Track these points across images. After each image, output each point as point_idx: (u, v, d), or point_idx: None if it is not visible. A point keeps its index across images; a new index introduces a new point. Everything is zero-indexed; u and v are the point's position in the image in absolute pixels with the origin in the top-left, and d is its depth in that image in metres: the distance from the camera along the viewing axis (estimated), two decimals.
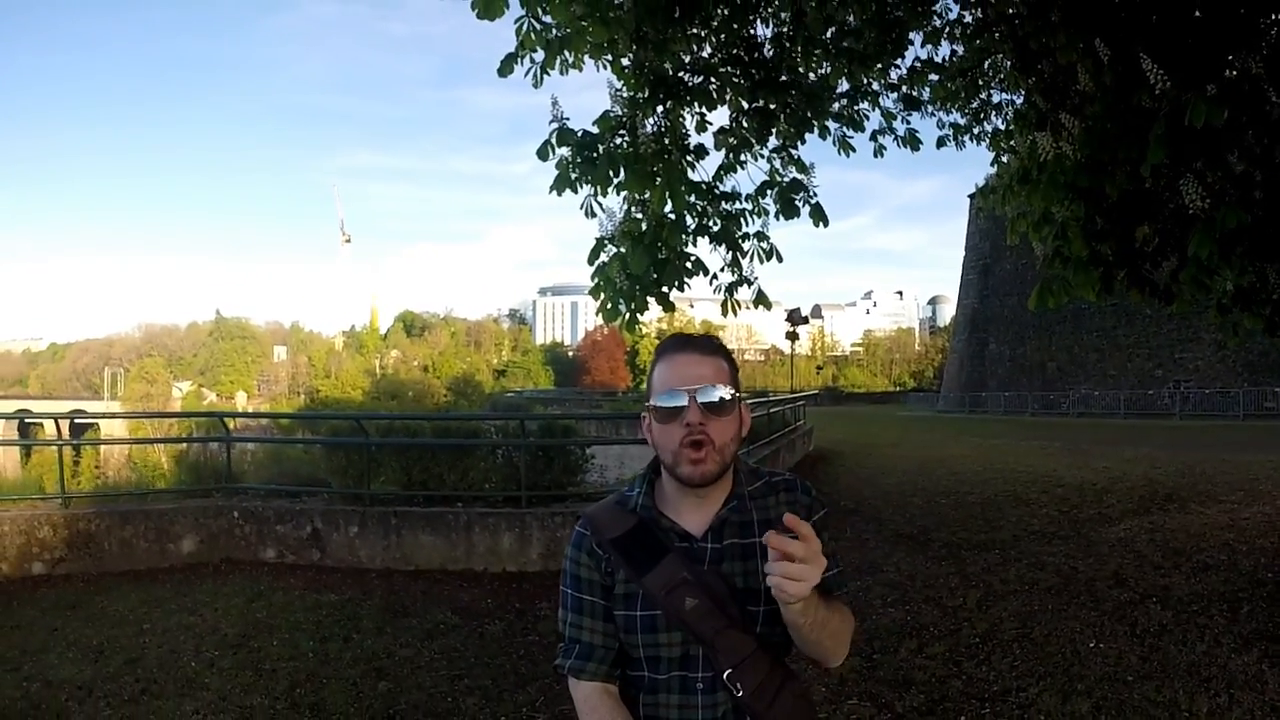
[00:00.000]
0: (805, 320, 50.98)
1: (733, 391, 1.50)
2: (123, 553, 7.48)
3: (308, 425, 17.77)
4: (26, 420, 51.12)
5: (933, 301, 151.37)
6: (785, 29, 5.78)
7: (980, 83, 6.84)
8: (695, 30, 5.31)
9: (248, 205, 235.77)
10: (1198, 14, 4.13)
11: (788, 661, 1.56)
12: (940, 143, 7.44)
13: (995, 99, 7.07)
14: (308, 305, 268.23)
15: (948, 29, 6.70)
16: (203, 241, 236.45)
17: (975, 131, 7.37)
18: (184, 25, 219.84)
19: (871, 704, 4.27)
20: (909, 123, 6.63)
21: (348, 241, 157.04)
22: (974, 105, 7.18)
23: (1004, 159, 7.05)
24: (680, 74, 5.19)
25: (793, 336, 41.20)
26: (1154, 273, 5.07)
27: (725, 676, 1.43)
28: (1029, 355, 43.38)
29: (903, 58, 6.34)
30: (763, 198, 5.28)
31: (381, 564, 7.54)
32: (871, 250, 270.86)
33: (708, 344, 1.56)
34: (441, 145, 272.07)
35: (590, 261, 4.85)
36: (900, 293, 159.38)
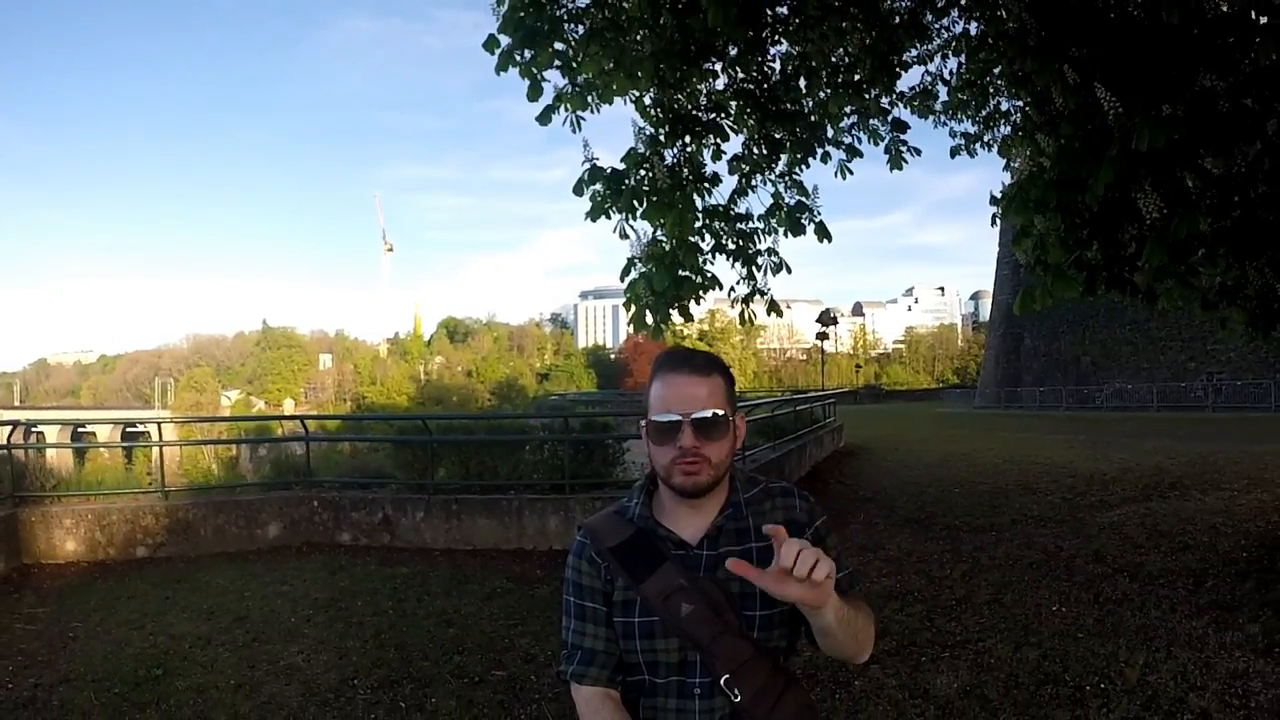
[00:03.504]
0: (835, 321, 51.42)
1: (726, 412, 1.52)
2: (216, 537, 8.50)
3: (374, 425, 18.95)
4: (79, 430, 53.44)
5: (975, 296, 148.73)
6: (790, 64, 6.36)
7: (990, 90, 7.18)
8: (710, 65, 5.87)
9: (292, 218, 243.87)
10: (1161, 37, 4.24)
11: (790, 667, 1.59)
12: (954, 152, 7.73)
13: (1004, 106, 7.29)
14: (352, 314, 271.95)
15: (953, 43, 7.06)
16: (248, 254, 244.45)
17: (986, 139, 7.58)
18: (227, 46, 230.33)
19: None
20: (901, 145, 6.85)
21: (390, 250, 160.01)
22: (983, 114, 7.44)
23: (1014, 164, 7.17)
24: (696, 111, 5.86)
25: (823, 337, 41.71)
26: (1134, 274, 5.24)
27: (722, 682, 1.44)
28: (1063, 350, 42.77)
29: (896, 85, 6.72)
30: (772, 218, 6.01)
31: (444, 544, 8.44)
32: (912, 246, 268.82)
33: (704, 362, 1.57)
34: (481, 155, 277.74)
35: (622, 278, 5.57)
36: (941, 288, 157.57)
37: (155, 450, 9.35)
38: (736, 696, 1.43)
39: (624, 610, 1.54)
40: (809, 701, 1.53)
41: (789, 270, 6.13)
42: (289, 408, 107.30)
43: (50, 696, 4.68)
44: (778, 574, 1.29)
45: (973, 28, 6.74)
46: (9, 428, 9.03)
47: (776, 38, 6.25)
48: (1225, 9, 4.17)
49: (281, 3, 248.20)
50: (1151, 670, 4.37)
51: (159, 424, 9.84)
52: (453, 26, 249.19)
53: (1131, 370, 38.38)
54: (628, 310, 5.67)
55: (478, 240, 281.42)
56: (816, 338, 43.63)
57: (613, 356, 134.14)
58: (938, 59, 7.23)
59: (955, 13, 6.76)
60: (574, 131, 5.40)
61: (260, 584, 7.05)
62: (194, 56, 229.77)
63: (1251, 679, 4.16)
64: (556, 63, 5.24)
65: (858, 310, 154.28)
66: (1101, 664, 4.51)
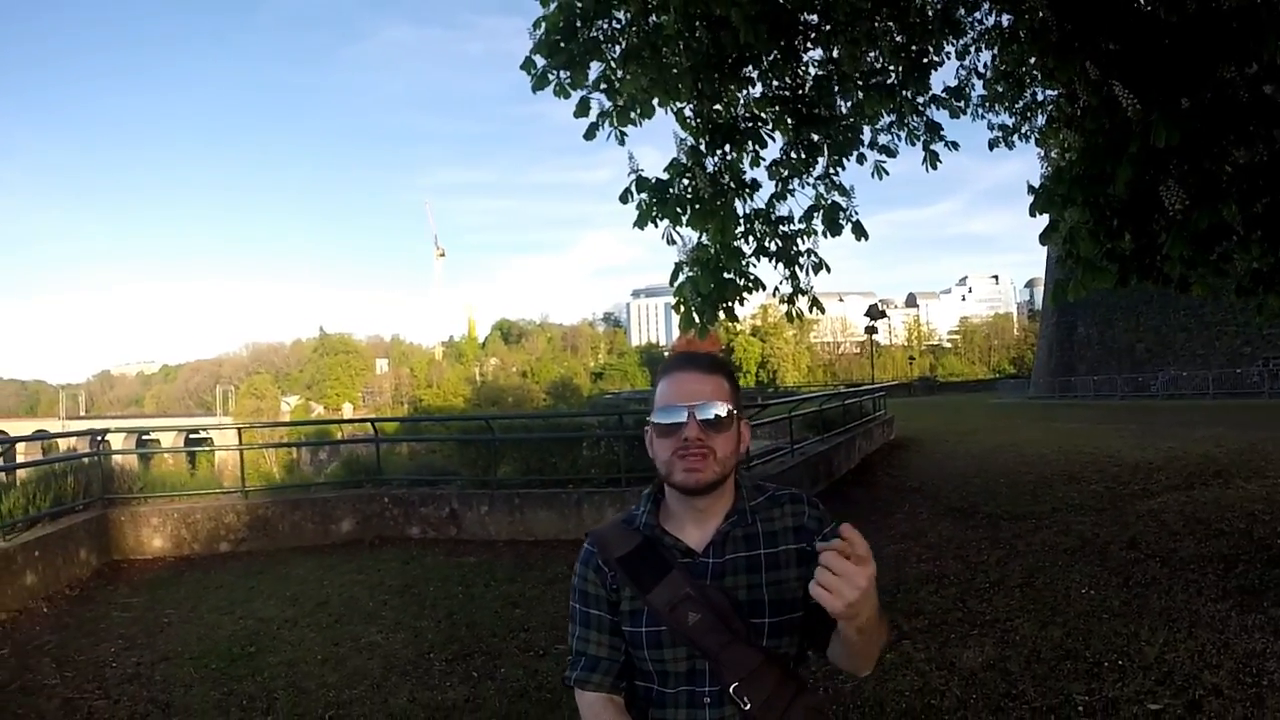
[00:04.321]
0: (883, 314, 51.14)
1: (731, 409, 1.52)
2: (293, 533, 9.09)
3: (438, 425, 19.64)
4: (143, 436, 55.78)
5: (1030, 284, 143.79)
6: (823, 69, 6.54)
7: (1026, 81, 7.25)
8: (746, 74, 6.09)
9: (344, 226, 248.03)
10: (1180, 29, 4.28)
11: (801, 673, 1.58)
12: (992, 145, 7.79)
13: (1039, 97, 7.37)
14: (406, 318, 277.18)
15: (985, 36, 7.18)
16: (303, 263, 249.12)
17: (1023, 130, 7.68)
18: (271, 57, 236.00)
19: None
20: (940, 140, 6.98)
21: (442, 255, 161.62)
22: (1020, 105, 7.54)
23: (1052, 154, 7.34)
24: (734, 120, 6.08)
25: (871, 330, 41.58)
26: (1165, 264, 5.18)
27: (731, 690, 1.44)
28: (1117, 337, 41.79)
29: (929, 85, 6.84)
30: (811, 220, 6.21)
31: (507, 536, 8.92)
32: (965, 235, 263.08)
33: (709, 362, 1.57)
34: (523, 158, 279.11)
35: (671, 282, 5.86)
36: (995, 277, 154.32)
37: (235, 454, 10.03)
38: (746, 704, 1.44)
39: (632, 620, 1.55)
40: (819, 706, 1.52)
41: (828, 270, 6.34)
42: (347, 412, 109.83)
43: (153, 673, 5.21)
44: (837, 558, 1.27)
45: (1005, 20, 6.84)
46: (101, 436, 9.77)
47: (808, 45, 6.40)
48: None
49: (323, 14, 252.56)
50: (1170, 649, 4.54)
51: (239, 429, 10.56)
52: (493, 32, 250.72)
53: (1186, 357, 37.41)
54: (677, 312, 5.94)
55: (525, 242, 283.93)
56: (865, 331, 43.42)
57: (666, 354, 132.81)
58: (971, 53, 7.32)
59: (986, 6, 6.87)
60: (620, 144, 5.73)
61: (337, 574, 7.58)
62: (239, 69, 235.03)
63: (1268, 659, 4.30)
64: (590, 85, 5.54)
65: (911, 301, 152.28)
66: (1122, 642, 4.70)
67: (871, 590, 1.30)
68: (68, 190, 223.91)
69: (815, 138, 6.38)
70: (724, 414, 1.51)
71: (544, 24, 5.42)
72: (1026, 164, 23.39)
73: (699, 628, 1.46)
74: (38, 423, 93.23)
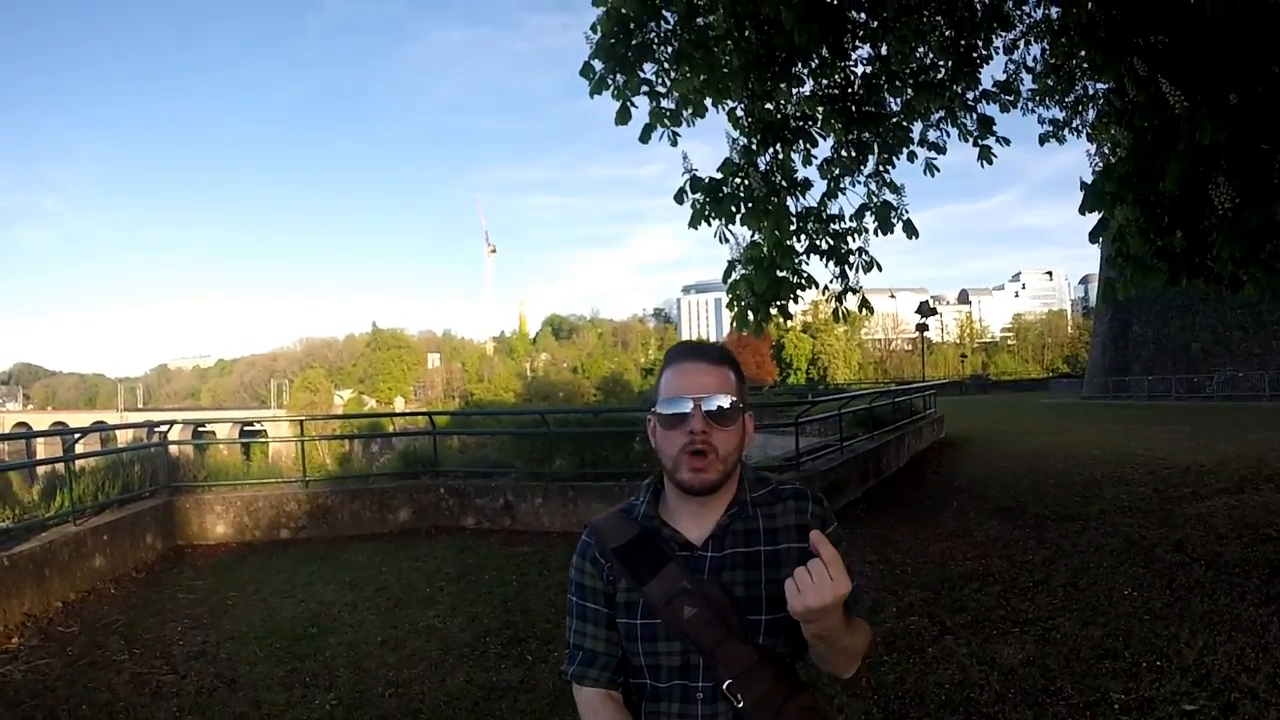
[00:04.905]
0: (934, 312, 50.50)
1: (736, 401, 1.50)
2: (352, 521, 9.38)
3: (492, 418, 20.11)
4: (199, 429, 57.56)
5: (1084, 281, 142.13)
6: (873, 67, 6.61)
7: (1076, 74, 7.20)
8: (797, 70, 6.14)
9: (396, 225, 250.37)
10: (1229, 25, 4.18)
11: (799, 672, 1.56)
12: (1043, 139, 7.84)
13: (1091, 90, 7.34)
14: (458, 314, 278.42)
15: (1035, 29, 7.14)
16: (358, 259, 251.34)
17: (1075, 124, 7.66)
18: (322, 62, 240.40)
19: (929, 620, 5.44)
20: (992, 135, 7.01)
21: (493, 252, 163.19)
22: (1070, 99, 7.50)
23: (1104, 148, 7.23)
24: (785, 118, 6.16)
25: (922, 328, 41.21)
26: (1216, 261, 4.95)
27: (725, 687, 1.42)
28: (1172, 336, 40.92)
29: (979, 80, 6.91)
30: (861, 219, 6.31)
31: (561, 527, 9.09)
32: (1019, 229, 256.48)
33: (715, 353, 1.56)
34: (575, 154, 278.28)
35: (724, 280, 6.02)
36: (1049, 273, 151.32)
37: (288, 446, 10.39)
38: (739, 702, 1.42)
39: (627, 612, 1.52)
40: (815, 706, 1.49)
41: (879, 268, 6.43)
42: (399, 405, 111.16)
43: (218, 650, 5.46)
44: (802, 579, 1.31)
45: (1054, 13, 6.86)
46: (166, 427, 10.22)
47: (857, 43, 6.48)
48: None
49: (373, 18, 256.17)
50: (1209, 652, 4.57)
51: (302, 421, 10.96)
52: (541, 30, 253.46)
53: (1243, 357, 36.56)
54: (730, 310, 6.10)
55: (576, 237, 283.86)
56: (916, 328, 43.06)
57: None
58: (1021, 47, 7.29)
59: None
60: (672, 145, 5.87)
61: (395, 561, 7.82)
62: (290, 74, 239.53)
63: None
64: (645, 88, 5.67)
65: (963, 298, 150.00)
66: (1162, 644, 4.74)
67: (837, 608, 1.32)
68: (128, 192, 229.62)
69: (865, 136, 6.46)
70: (729, 406, 1.48)
71: (599, 28, 5.58)
72: (1082, 156, 22.78)
73: (694, 622, 1.44)
74: (97, 414, 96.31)
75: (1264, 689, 4.06)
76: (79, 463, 7.96)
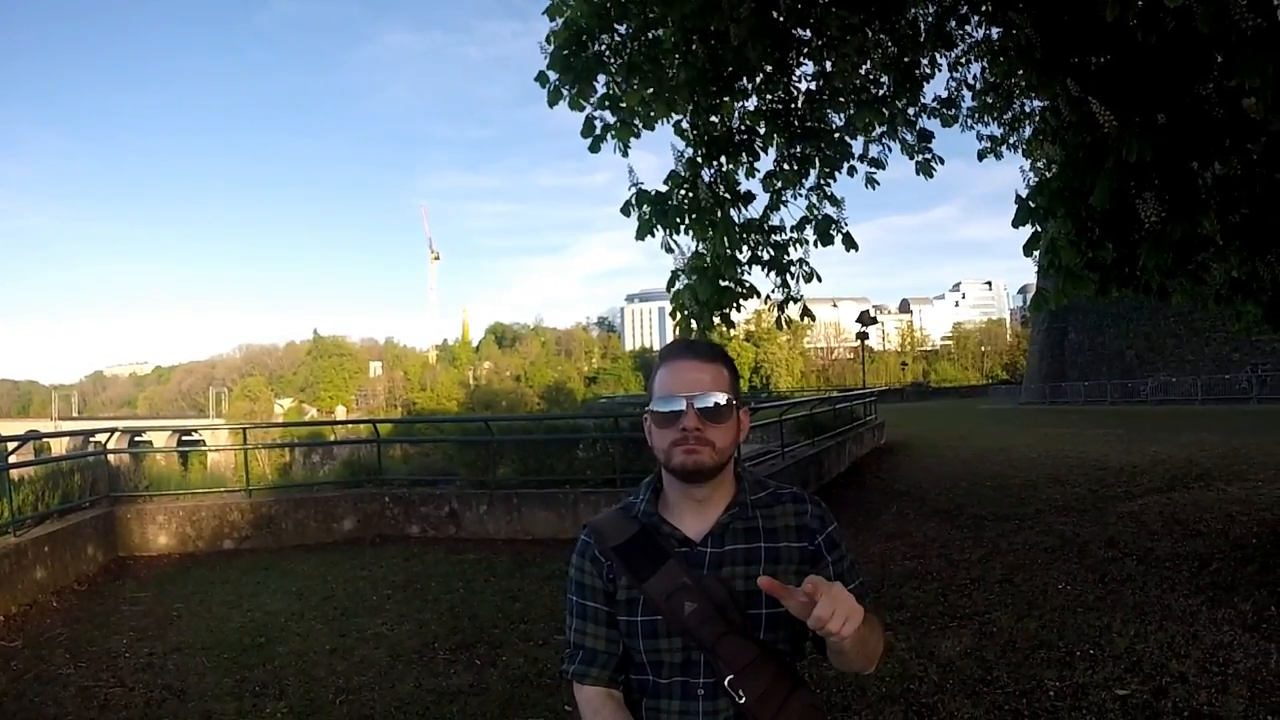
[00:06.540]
0: (874, 320, 51.39)
1: (730, 398, 1.50)
2: (296, 531, 9.30)
3: (436, 426, 19.94)
4: (135, 438, 55.74)
5: (1023, 290, 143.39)
6: (817, 83, 6.68)
7: (1014, 93, 7.31)
8: (742, 85, 6.23)
9: (341, 229, 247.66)
10: (1159, 47, 4.31)
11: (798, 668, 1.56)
12: (981, 155, 7.94)
13: (1028, 108, 7.41)
14: (401, 322, 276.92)
15: (975, 48, 7.23)
16: (298, 266, 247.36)
17: (1012, 141, 7.77)
18: (271, 64, 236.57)
19: None
20: (928, 152, 7.20)
21: (437, 259, 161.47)
22: (1008, 116, 7.61)
23: (1039, 164, 7.16)
24: (729, 132, 6.27)
25: (863, 336, 41.91)
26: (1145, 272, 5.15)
27: (726, 683, 1.42)
28: (1108, 344, 42.21)
29: (921, 96, 7.04)
30: (802, 231, 6.41)
31: (506, 535, 9.13)
32: (959, 241, 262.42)
33: (709, 350, 1.55)
34: (524, 162, 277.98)
35: (668, 289, 6.13)
36: (989, 283, 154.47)
37: (227, 455, 10.19)
38: (741, 698, 1.41)
39: (628, 609, 1.51)
40: (815, 703, 1.50)
41: (819, 279, 6.52)
42: (340, 414, 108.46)
43: (165, 662, 5.40)
44: (806, 605, 1.27)
45: (994, 33, 6.92)
46: (106, 435, 9.97)
47: (801, 59, 6.54)
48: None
49: (323, 20, 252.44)
50: (1140, 640, 4.79)
51: (244, 429, 10.76)
52: (493, 36, 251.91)
53: (1176, 363, 37.83)
54: (674, 319, 6.17)
55: (523, 246, 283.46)
56: (857, 337, 43.81)
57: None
58: (963, 65, 7.41)
59: (976, 19, 6.96)
60: (623, 155, 5.90)
61: (341, 570, 7.78)
62: (238, 74, 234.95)
63: (1234, 650, 4.53)
64: (599, 95, 5.72)
65: (905, 307, 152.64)
66: (1095, 634, 4.94)
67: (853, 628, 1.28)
68: (65, 189, 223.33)
69: (808, 150, 6.55)
70: (723, 403, 1.48)
71: (554, 39, 5.62)
72: (1021, 170, 23.36)
73: (695, 618, 1.43)
74: (30, 423, 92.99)
75: (1194, 673, 4.26)
76: (14, 472, 7.72)
